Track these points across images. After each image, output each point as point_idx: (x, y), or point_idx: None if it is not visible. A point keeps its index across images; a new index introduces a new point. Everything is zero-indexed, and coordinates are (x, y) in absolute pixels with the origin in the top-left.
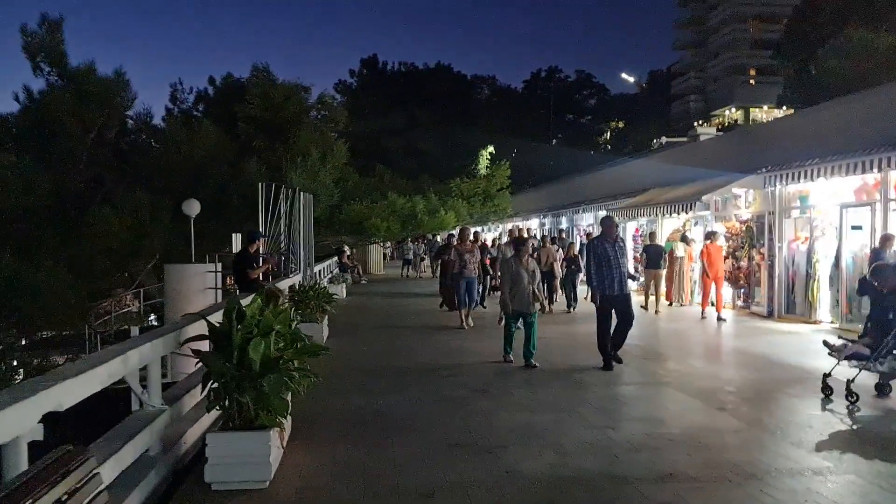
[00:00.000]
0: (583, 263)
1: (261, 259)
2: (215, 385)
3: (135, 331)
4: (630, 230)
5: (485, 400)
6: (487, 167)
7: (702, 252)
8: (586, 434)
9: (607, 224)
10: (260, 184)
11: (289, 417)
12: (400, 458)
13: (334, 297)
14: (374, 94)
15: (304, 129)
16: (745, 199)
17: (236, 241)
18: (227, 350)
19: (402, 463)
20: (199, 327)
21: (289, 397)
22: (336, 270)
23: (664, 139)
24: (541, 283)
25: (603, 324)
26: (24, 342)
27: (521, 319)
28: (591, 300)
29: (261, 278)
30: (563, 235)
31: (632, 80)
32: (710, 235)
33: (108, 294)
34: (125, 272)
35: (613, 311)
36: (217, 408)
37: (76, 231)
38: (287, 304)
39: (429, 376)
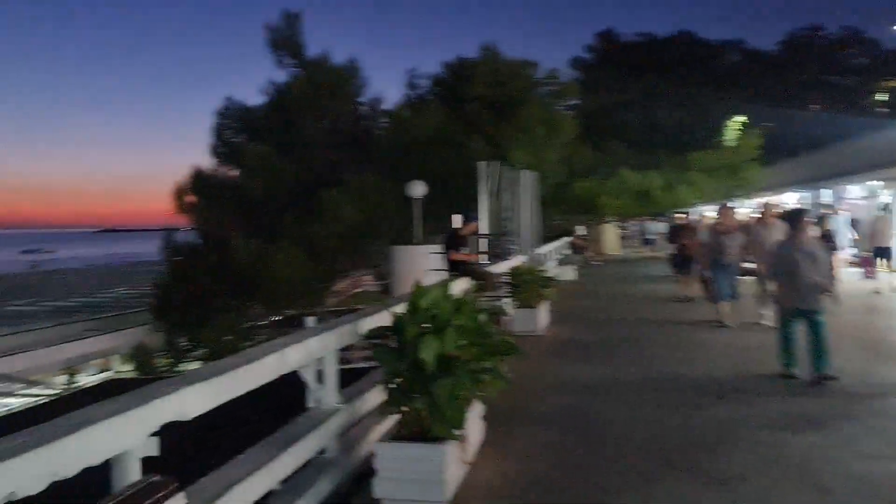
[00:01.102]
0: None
1: (469, 245)
2: (392, 385)
3: (310, 321)
4: None
5: (723, 409)
6: (738, 138)
7: None
8: (857, 465)
9: None
10: (479, 163)
11: (482, 422)
12: (609, 479)
13: (560, 280)
14: (609, 68)
15: (531, 105)
16: None
17: (457, 223)
18: (401, 346)
19: (611, 487)
20: (386, 317)
21: (471, 405)
22: (567, 251)
23: None
24: (828, 269)
25: None
26: (268, 320)
27: (800, 319)
28: None
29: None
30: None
31: None
32: None
33: (342, 275)
34: (357, 253)
35: None
36: (394, 412)
37: (312, 214)
38: (496, 289)
39: (655, 377)
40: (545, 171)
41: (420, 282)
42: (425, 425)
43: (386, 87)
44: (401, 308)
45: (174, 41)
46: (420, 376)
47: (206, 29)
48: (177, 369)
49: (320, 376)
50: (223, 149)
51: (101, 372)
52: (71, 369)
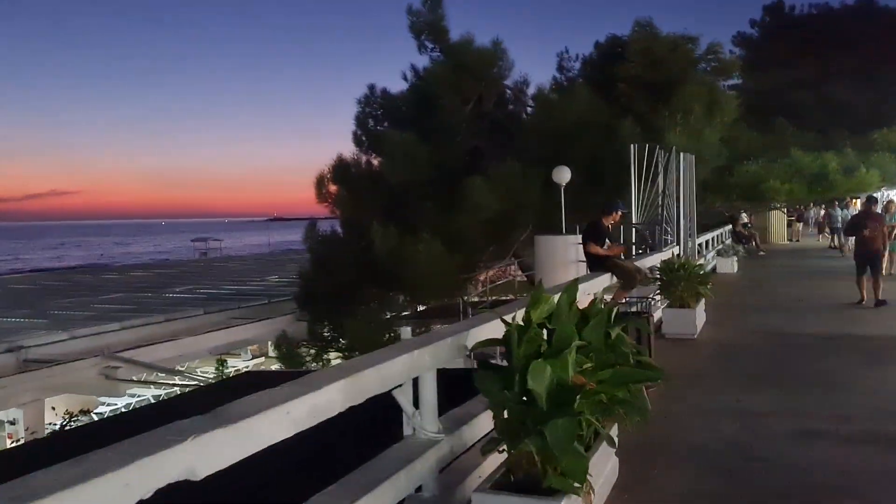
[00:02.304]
0: None
1: (615, 237)
2: (498, 418)
3: (406, 332)
4: None
5: None
6: None
7: None
8: None
9: None
10: (632, 145)
11: (614, 459)
12: None
13: (720, 273)
14: (779, 43)
15: (690, 84)
16: None
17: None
18: (508, 370)
19: None
20: (499, 328)
21: (599, 444)
22: (728, 241)
23: None
24: None
25: None
26: (407, 312)
27: None
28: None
29: (621, 256)
30: None
31: None
32: None
33: (486, 264)
34: (499, 243)
35: None
36: (498, 451)
37: (453, 203)
38: (646, 286)
39: (835, 409)
40: (704, 154)
41: (542, 283)
42: (537, 472)
43: (536, 72)
44: (517, 315)
45: (320, 29)
46: (531, 411)
47: (350, 18)
48: (320, 361)
49: (417, 399)
50: (365, 137)
51: (255, 358)
52: (218, 358)
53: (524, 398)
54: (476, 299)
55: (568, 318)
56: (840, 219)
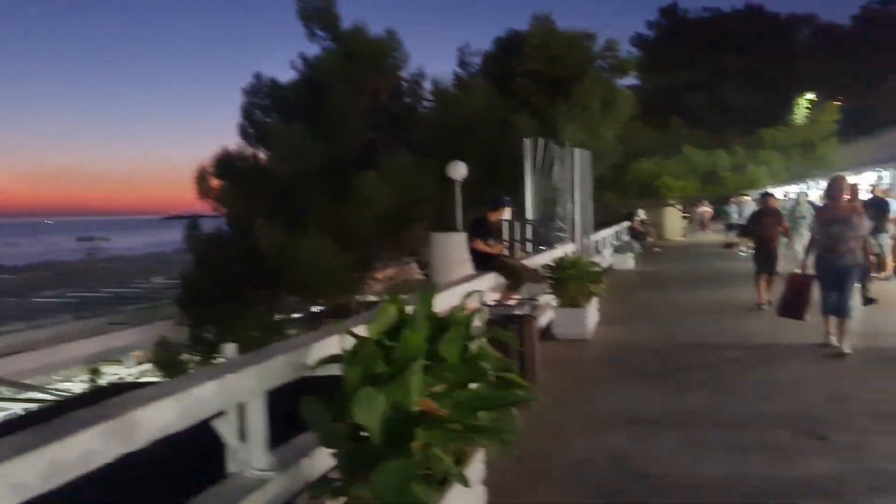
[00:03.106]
0: None
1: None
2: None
3: (230, 350)
4: None
5: (826, 459)
6: (807, 116)
7: None
8: None
9: None
10: (526, 140)
11: (481, 487)
12: None
13: (616, 269)
14: (674, 45)
15: (588, 80)
16: None
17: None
18: (338, 397)
19: None
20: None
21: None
22: (626, 238)
23: None
24: None
25: None
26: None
27: None
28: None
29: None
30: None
31: None
32: None
33: (386, 261)
34: (395, 239)
35: None
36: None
37: (344, 198)
38: (538, 284)
39: (729, 410)
40: (601, 150)
41: (389, 294)
42: None
43: (439, 67)
44: (362, 330)
45: (209, 13)
46: (362, 448)
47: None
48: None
49: (242, 429)
50: (252, 129)
51: (140, 365)
52: (91, 368)
53: (356, 434)
54: (376, 298)
55: (415, 331)
56: (736, 215)
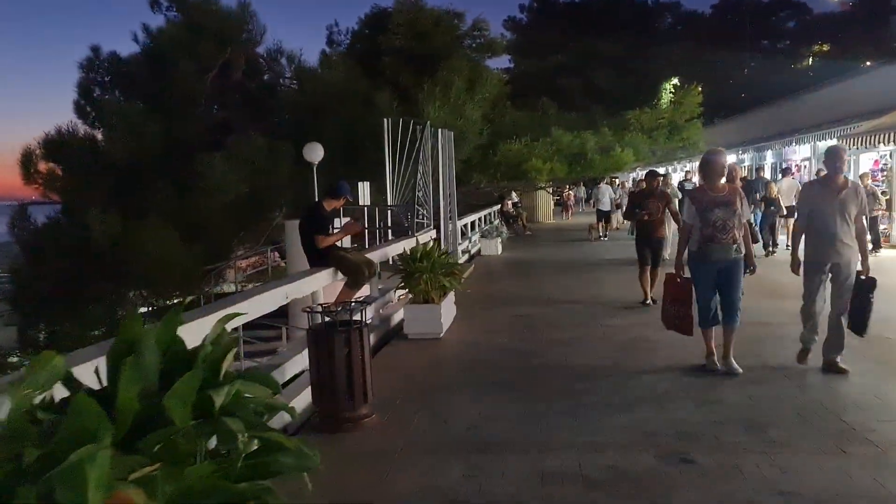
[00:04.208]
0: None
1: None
2: None
3: None
4: (865, 164)
5: (692, 477)
6: (671, 101)
7: None
8: None
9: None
10: (386, 119)
11: None
12: None
13: (484, 255)
14: (546, 29)
15: (455, 59)
16: None
17: (363, 192)
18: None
19: None
20: None
21: None
22: (496, 222)
23: None
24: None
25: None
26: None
27: None
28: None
29: (342, 245)
30: (762, 174)
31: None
32: None
33: (243, 253)
34: (249, 228)
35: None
36: None
37: (191, 183)
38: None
39: (598, 416)
40: (467, 131)
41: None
42: None
43: (308, 45)
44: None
45: None
46: None
47: None
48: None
49: None
50: (90, 108)
51: None
52: None
53: None
54: (236, 288)
55: (128, 384)
56: (609, 199)
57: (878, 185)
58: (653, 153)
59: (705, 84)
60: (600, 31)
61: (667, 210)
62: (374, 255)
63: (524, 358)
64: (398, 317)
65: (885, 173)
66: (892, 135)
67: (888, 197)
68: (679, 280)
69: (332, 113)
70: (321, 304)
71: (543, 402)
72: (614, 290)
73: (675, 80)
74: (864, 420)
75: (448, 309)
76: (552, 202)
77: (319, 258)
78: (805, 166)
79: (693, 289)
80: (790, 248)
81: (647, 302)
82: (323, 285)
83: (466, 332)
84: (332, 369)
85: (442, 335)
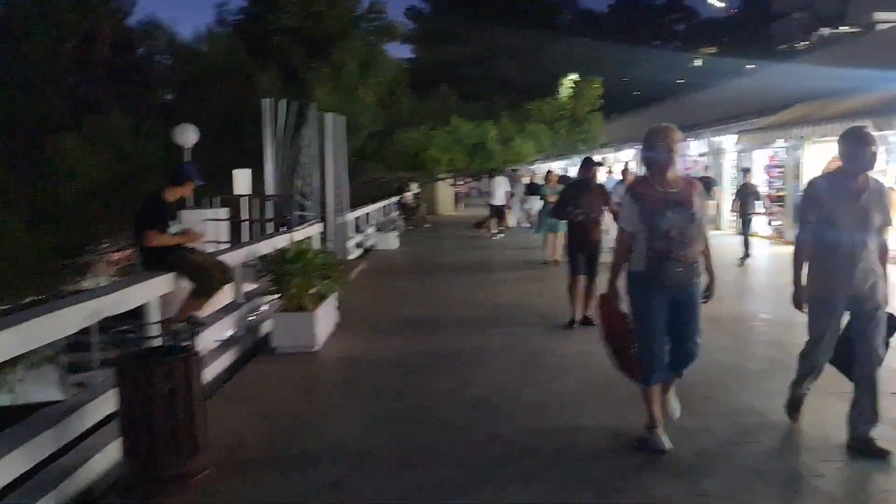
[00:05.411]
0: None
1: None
2: None
3: None
4: (759, 160)
5: None
6: (571, 94)
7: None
8: None
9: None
10: (266, 100)
11: None
12: None
13: (379, 250)
14: (447, 19)
15: (349, 41)
16: None
17: (243, 180)
18: None
19: None
20: None
21: None
22: (392, 214)
23: (829, 29)
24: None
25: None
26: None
27: None
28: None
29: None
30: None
31: (719, 4)
32: None
33: (90, 247)
34: (111, 219)
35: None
36: None
37: (40, 168)
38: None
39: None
40: (360, 116)
41: None
42: None
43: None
44: None
45: None
46: None
47: None
48: None
49: None
50: None
51: None
52: None
53: None
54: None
55: None
56: (504, 192)
57: (774, 182)
58: (554, 145)
59: (604, 79)
60: (501, 23)
61: (606, 208)
62: (237, 256)
63: (414, 379)
64: (269, 326)
65: (780, 170)
66: (792, 130)
67: (783, 193)
68: (619, 308)
69: (212, 93)
70: (150, 322)
71: (431, 438)
72: (531, 296)
73: (576, 76)
74: None
75: (326, 316)
76: (453, 194)
77: (157, 259)
78: (702, 161)
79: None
80: (794, 271)
81: (576, 323)
82: (157, 295)
83: (348, 343)
84: (149, 412)
85: (317, 348)
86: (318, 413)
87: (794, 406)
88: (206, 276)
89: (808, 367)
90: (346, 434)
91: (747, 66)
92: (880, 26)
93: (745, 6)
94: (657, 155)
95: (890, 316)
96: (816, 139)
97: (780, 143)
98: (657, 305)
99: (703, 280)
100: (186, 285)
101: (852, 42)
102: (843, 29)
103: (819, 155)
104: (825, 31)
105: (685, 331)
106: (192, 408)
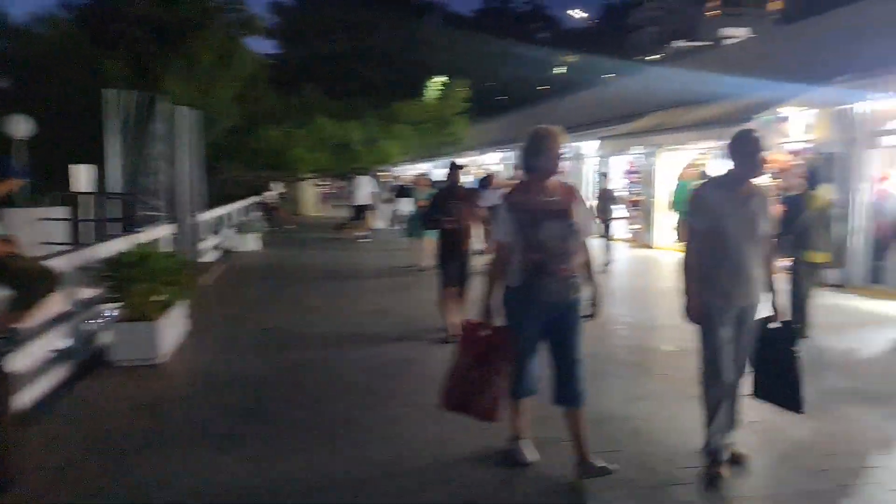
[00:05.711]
0: None
1: None
2: None
3: None
4: (617, 165)
5: None
6: (438, 96)
7: None
8: None
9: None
10: (107, 91)
11: None
12: None
13: (238, 254)
14: (313, 16)
15: (205, 33)
16: (799, 124)
17: (85, 176)
18: None
19: None
20: None
21: None
22: (254, 214)
23: (681, 42)
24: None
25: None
26: None
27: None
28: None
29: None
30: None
31: (578, 15)
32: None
33: None
34: None
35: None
36: None
37: None
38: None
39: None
40: (217, 111)
41: None
42: None
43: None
44: None
45: None
46: None
47: None
48: None
49: None
50: None
51: None
52: None
53: None
54: None
55: None
56: (366, 193)
57: (634, 186)
58: (420, 147)
59: (471, 82)
60: (368, 22)
61: (474, 213)
62: (73, 259)
63: (265, 402)
64: (109, 337)
65: (639, 175)
66: (660, 138)
67: (643, 198)
68: (489, 328)
69: (52, 81)
70: None
71: (285, 457)
72: (401, 304)
73: (444, 77)
74: None
75: (173, 326)
76: (319, 194)
77: None
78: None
79: (507, 344)
80: (685, 283)
81: (448, 340)
82: None
83: (197, 354)
84: None
85: (161, 361)
86: (166, 425)
87: (713, 471)
88: (27, 283)
89: (712, 397)
90: (193, 449)
91: (603, 76)
92: (727, 41)
93: (604, 18)
94: (542, 161)
95: (784, 324)
96: (669, 147)
97: (639, 149)
98: (530, 320)
99: (586, 294)
100: (4, 294)
101: (701, 55)
102: (693, 43)
103: (671, 162)
104: (678, 43)
105: (564, 349)
106: (4, 432)
